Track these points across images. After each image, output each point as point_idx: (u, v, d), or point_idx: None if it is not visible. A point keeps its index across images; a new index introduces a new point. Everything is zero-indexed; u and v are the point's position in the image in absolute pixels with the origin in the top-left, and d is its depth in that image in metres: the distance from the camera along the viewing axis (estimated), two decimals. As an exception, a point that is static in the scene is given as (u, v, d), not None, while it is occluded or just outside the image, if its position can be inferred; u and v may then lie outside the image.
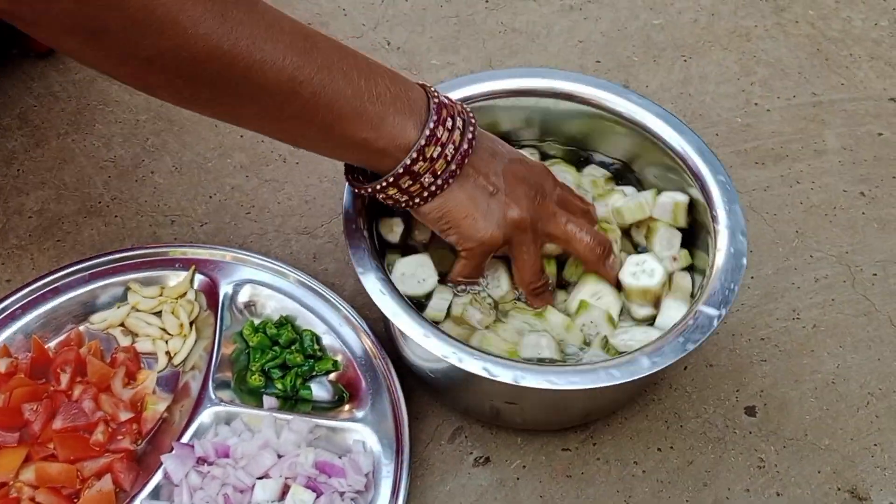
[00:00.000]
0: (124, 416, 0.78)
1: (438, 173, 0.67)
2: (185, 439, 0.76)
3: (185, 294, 0.86)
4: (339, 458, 0.76)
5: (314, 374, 0.83)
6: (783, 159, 1.00)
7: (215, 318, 0.84)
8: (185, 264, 0.87)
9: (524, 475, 0.78)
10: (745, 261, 0.71)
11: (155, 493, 0.74)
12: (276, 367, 0.82)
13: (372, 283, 0.71)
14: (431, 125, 0.66)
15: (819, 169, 1.00)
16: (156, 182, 0.97)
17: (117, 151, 0.99)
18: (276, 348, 0.83)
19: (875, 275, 0.92)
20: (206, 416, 0.77)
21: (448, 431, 0.81)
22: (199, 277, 0.87)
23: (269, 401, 0.80)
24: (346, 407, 0.80)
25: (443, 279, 0.77)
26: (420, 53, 1.09)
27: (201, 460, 0.75)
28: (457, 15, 1.13)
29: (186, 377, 0.82)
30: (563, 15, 1.13)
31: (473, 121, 0.70)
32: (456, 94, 0.80)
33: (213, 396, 0.78)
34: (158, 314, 0.85)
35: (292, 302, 0.85)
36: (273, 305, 0.86)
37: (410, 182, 0.67)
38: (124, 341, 0.84)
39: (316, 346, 0.83)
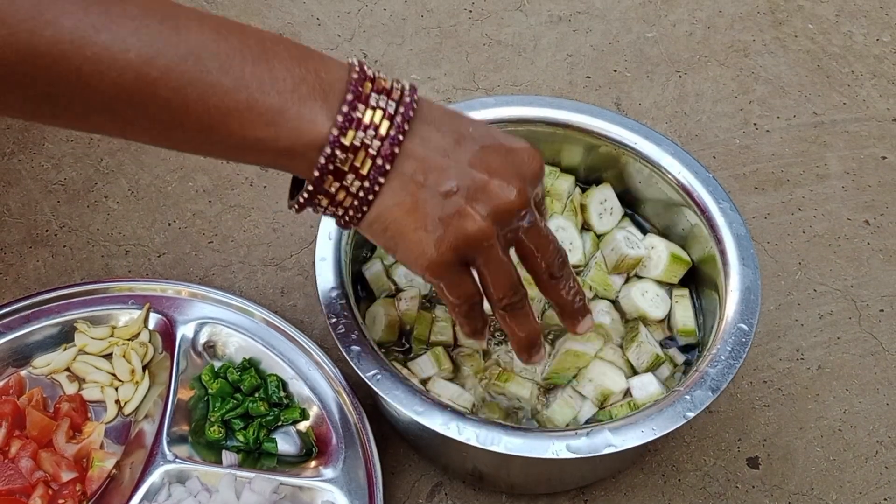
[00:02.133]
0: (67, 476, 0.70)
1: (363, 171, 0.52)
2: (134, 502, 0.69)
3: (138, 335, 0.78)
4: (307, 521, 0.69)
5: (280, 424, 0.75)
6: (784, 184, 0.94)
7: (171, 362, 0.76)
8: (138, 301, 0.79)
9: (509, 538, 0.72)
10: (751, 334, 0.65)
11: (100, 564, 0.66)
12: (237, 416, 0.75)
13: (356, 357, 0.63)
14: (346, 107, 0.52)
15: (821, 195, 0.94)
16: (109, 207, 0.89)
17: (68, 173, 0.91)
18: (238, 395, 0.76)
19: (882, 311, 0.86)
20: (158, 475, 0.70)
21: (426, 488, 0.74)
22: (154, 316, 0.79)
23: (228, 457, 0.73)
24: (314, 463, 0.73)
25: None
26: (399, 67, 1.02)
27: (152, 526, 0.68)
28: (438, 26, 1.06)
29: (138, 427, 0.75)
30: (551, 27, 1.06)
31: (412, 100, 0.54)
32: None
33: (166, 452, 0.71)
34: (108, 357, 0.78)
35: (257, 343, 0.78)
36: (236, 347, 0.78)
37: (337, 186, 0.53)
38: (70, 388, 0.76)
39: (282, 394, 0.76)
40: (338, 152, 0.52)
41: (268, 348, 0.78)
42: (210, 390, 0.76)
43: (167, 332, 0.78)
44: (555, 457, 0.58)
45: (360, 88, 0.52)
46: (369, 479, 0.71)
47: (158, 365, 0.78)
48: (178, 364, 0.76)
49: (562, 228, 0.74)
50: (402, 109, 0.53)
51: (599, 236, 0.76)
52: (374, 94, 0.52)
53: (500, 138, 0.57)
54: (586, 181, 0.79)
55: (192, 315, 0.79)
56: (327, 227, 0.70)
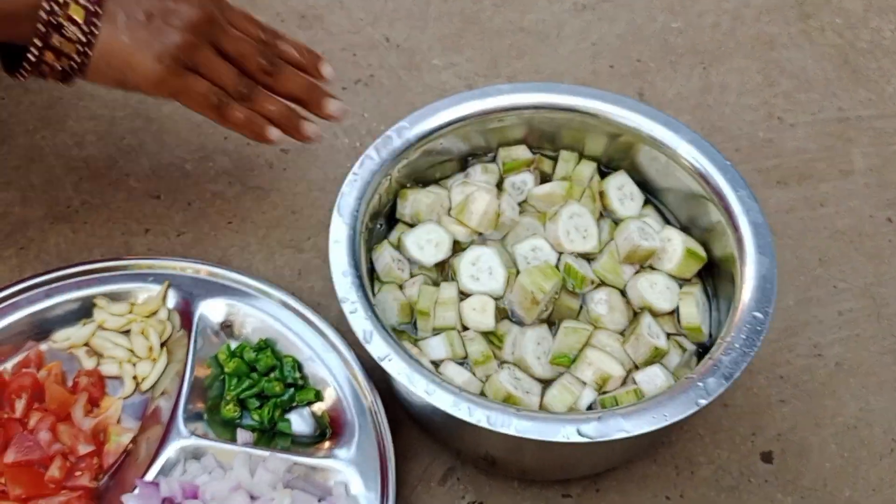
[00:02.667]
0: (84, 449, 0.71)
1: (78, 18, 0.65)
2: (150, 476, 0.69)
3: (156, 312, 0.79)
4: (319, 501, 0.69)
5: (294, 404, 0.76)
6: (807, 179, 0.93)
7: (189, 340, 0.77)
8: (157, 279, 0.80)
9: (520, 524, 0.72)
10: (766, 323, 0.65)
11: (115, 537, 0.67)
12: (252, 396, 0.75)
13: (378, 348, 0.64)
14: None
15: (845, 191, 0.93)
16: (130, 186, 0.89)
17: (90, 151, 0.92)
18: (254, 375, 0.76)
19: (903, 309, 0.85)
20: (173, 450, 0.70)
21: (439, 472, 0.74)
22: (172, 294, 0.80)
23: (243, 435, 0.73)
24: (328, 444, 0.73)
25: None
26: (421, 52, 1.01)
27: (167, 501, 0.69)
28: (461, 11, 1.05)
29: (155, 404, 0.75)
30: (576, 14, 1.06)
31: None
32: (471, 105, 0.76)
33: (182, 429, 0.71)
34: (127, 333, 0.78)
35: (274, 324, 0.79)
36: (252, 327, 0.79)
37: (60, 39, 0.65)
38: (88, 363, 0.77)
39: (297, 374, 0.77)
40: (54, 7, 0.63)
41: (284, 329, 0.78)
42: (226, 369, 0.76)
43: (185, 311, 0.79)
44: (565, 440, 0.58)
45: None
46: (382, 461, 0.71)
47: (176, 343, 0.79)
48: (195, 342, 0.76)
49: (577, 215, 0.74)
50: None
51: (620, 223, 0.76)
52: None
53: None
54: (608, 169, 0.79)
55: (210, 294, 0.79)
56: (342, 209, 0.70)
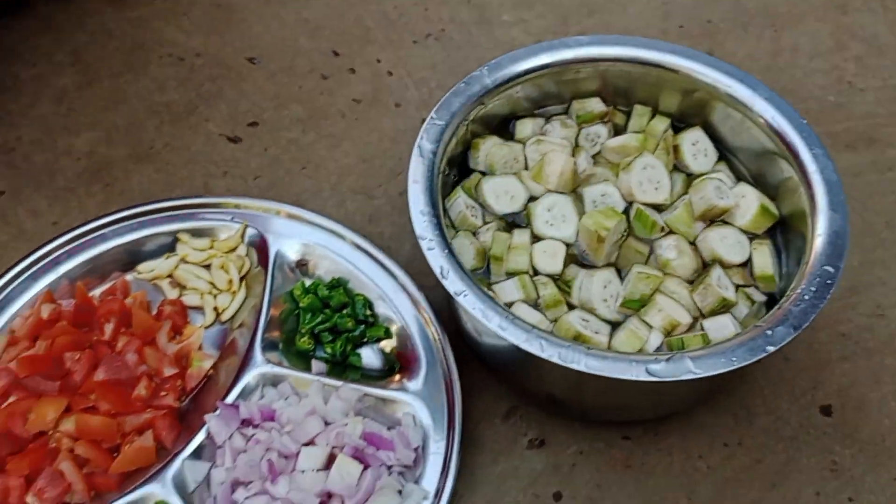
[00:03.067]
0: (169, 371, 0.75)
1: None
2: (229, 399, 0.73)
3: (235, 249, 0.83)
4: (388, 429, 0.73)
5: (365, 340, 0.79)
6: (875, 144, 0.93)
7: (265, 276, 0.80)
8: (237, 218, 0.83)
9: (581, 462, 0.74)
10: (837, 277, 0.65)
11: (197, 454, 0.71)
12: (325, 330, 0.79)
13: (454, 285, 0.65)
14: None
15: (914, 156, 0.93)
16: (209, 130, 0.93)
17: (171, 96, 0.95)
18: (327, 311, 0.79)
19: (969, 274, 0.85)
20: (252, 376, 0.74)
21: (502, 410, 0.77)
22: (250, 232, 0.83)
23: (317, 365, 0.77)
24: (397, 377, 0.76)
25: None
26: (492, 8, 1.03)
27: (246, 422, 0.72)
28: (531, -30, 1.07)
29: (234, 335, 0.79)
30: (645, -25, 1.06)
31: None
32: (549, 56, 0.76)
33: (259, 357, 0.75)
34: (207, 267, 0.82)
35: (346, 264, 0.82)
36: (326, 266, 0.82)
37: None
38: (171, 294, 0.81)
39: (368, 312, 0.80)
40: None
41: (356, 270, 0.81)
42: (301, 304, 0.80)
43: (263, 249, 0.82)
44: (634, 379, 0.60)
45: None
46: (449, 396, 0.74)
47: (254, 279, 0.82)
48: (272, 278, 0.80)
49: (650, 167, 0.75)
50: None
51: (692, 177, 0.77)
52: None
53: None
54: (681, 125, 0.80)
55: (287, 234, 0.82)
56: (422, 151, 0.73)
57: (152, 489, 0.69)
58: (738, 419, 0.76)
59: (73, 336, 0.75)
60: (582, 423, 0.76)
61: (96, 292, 0.80)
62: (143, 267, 0.82)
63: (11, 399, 0.72)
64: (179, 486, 0.69)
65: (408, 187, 0.69)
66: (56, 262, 0.80)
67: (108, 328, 0.76)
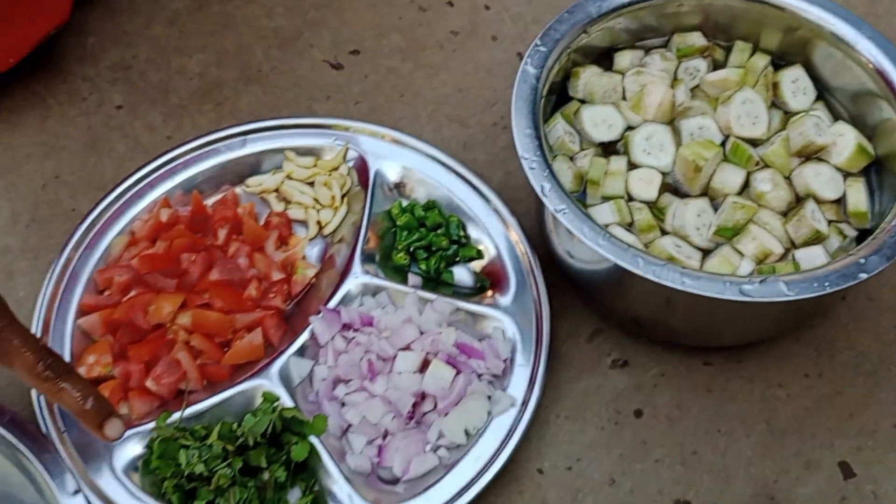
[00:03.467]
0: (276, 276, 0.80)
1: None
2: (331, 305, 0.78)
3: (337, 168, 0.87)
4: (479, 340, 0.77)
5: (458, 259, 0.83)
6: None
7: (365, 195, 0.84)
8: (340, 139, 0.88)
9: (662, 383, 0.77)
10: None
11: (301, 352, 0.76)
12: (421, 248, 0.83)
13: (554, 199, 0.68)
14: None
15: None
16: (314, 56, 0.97)
17: (278, 22, 0.99)
18: (423, 230, 0.83)
19: None
20: (352, 285, 0.79)
21: (587, 331, 0.80)
22: (352, 153, 0.87)
23: (413, 279, 0.81)
24: (489, 293, 0.80)
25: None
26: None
27: (346, 326, 0.77)
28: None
29: (334, 249, 0.84)
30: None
31: None
32: None
33: (359, 268, 0.79)
34: (311, 184, 0.87)
35: (441, 187, 0.85)
36: (422, 188, 0.86)
37: None
38: (277, 207, 0.86)
39: (461, 233, 0.83)
40: None
41: (450, 193, 0.85)
42: (398, 223, 0.84)
43: (363, 169, 0.86)
44: (727, 298, 0.63)
45: None
46: (537, 315, 0.78)
47: (354, 197, 0.86)
48: (371, 197, 0.84)
49: (749, 101, 0.76)
50: None
51: (790, 115, 0.78)
52: None
53: None
54: (781, 63, 0.80)
55: (386, 156, 0.86)
56: (525, 75, 0.75)
57: (260, 382, 0.74)
58: (820, 352, 0.78)
59: (190, 239, 0.80)
60: (665, 348, 0.78)
61: (208, 202, 0.85)
62: (251, 181, 0.87)
63: (133, 293, 0.78)
64: (285, 380, 0.74)
65: (512, 109, 0.72)
66: (171, 173, 0.86)
67: (222, 234, 0.81)
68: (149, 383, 0.74)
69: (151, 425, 0.72)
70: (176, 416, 0.72)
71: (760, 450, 0.74)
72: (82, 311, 0.78)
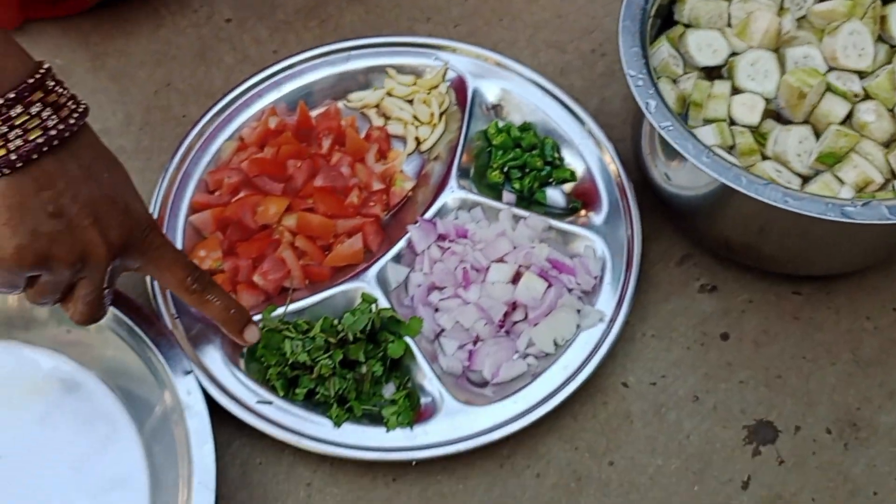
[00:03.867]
0: (376, 186, 0.83)
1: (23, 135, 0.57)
2: (427, 215, 0.81)
3: (437, 86, 0.89)
4: (570, 258, 0.79)
5: (551, 180, 0.85)
6: None
7: (463, 114, 0.86)
8: (440, 58, 0.89)
9: (750, 309, 0.78)
10: None
11: (397, 258, 0.79)
12: (516, 167, 0.85)
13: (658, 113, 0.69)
14: (1, 101, 0.56)
15: None
16: (416, -22, 0.99)
17: (382, -57, 1.01)
18: (518, 150, 0.85)
19: None
20: (448, 199, 0.81)
21: (677, 256, 0.81)
22: (451, 73, 0.89)
23: (508, 195, 0.83)
24: (583, 213, 0.82)
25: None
26: None
27: (442, 237, 0.80)
28: None
29: (429, 166, 0.86)
30: None
31: (77, 125, 0.59)
32: None
33: (455, 183, 0.82)
34: (410, 102, 0.89)
35: (537, 110, 0.87)
36: (518, 110, 0.87)
37: None
38: (377, 122, 0.88)
39: (556, 155, 0.85)
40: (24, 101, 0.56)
41: (546, 116, 0.86)
42: (494, 142, 0.86)
43: (461, 89, 0.88)
44: (829, 218, 0.63)
45: (29, 93, 0.57)
46: (628, 238, 0.79)
47: (451, 116, 0.88)
48: (469, 115, 0.86)
49: (856, 32, 0.75)
50: (61, 127, 0.58)
51: (895, 49, 0.77)
52: (39, 104, 0.58)
53: (127, 196, 0.63)
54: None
55: (484, 77, 0.88)
56: (633, -3, 0.76)
57: (358, 284, 0.78)
58: (912, 288, 0.78)
59: (296, 146, 0.84)
60: (754, 276, 0.79)
61: (312, 114, 0.88)
62: (353, 96, 0.90)
63: (241, 195, 0.82)
64: (382, 284, 0.78)
65: (619, 27, 0.73)
66: (277, 85, 0.89)
67: (326, 143, 0.85)
68: (256, 278, 0.78)
69: (258, 317, 0.76)
70: (280, 310, 0.76)
71: (844, 378, 0.75)
72: (193, 210, 0.82)
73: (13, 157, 0.57)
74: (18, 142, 0.57)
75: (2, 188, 0.57)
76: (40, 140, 0.57)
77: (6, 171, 0.57)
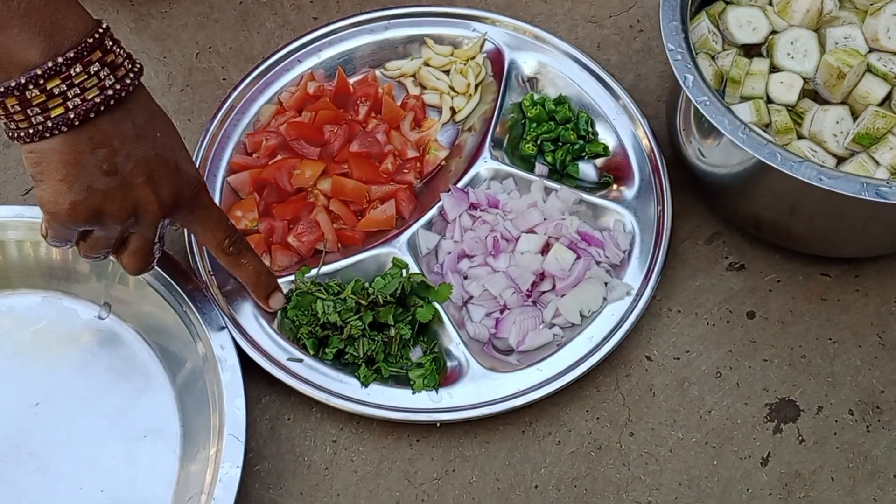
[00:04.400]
0: (410, 153, 0.84)
1: (52, 115, 0.58)
2: (461, 184, 0.82)
3: (474, 57, 0.89)
4: (601, 231, 0.80)
5: (584, 154, 0.85)
6: None
7: (498, 86, 0.87)
8: (478, 30, 0.90)
9: (777, 289, 0.78)
10: None
11: (428, 226, 0.80)
12: (549, 140, 0.85)
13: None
14: (62, 59, 0.57)
15: None
16: (455, -51, 0.99)
17: (423, -86, 1.01)
18: (551, 123, 0.86)
19: None
20: (481, 168, 0.82)
21: (707, 234, 0.82)
22: (488, 45, 0.90)
23: (540, 168, 0.84)
24: (615, 186, 0.83)
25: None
26: None
27: (473, 206, 0.81)
28: None
29: (463, 137, 0.87)
30: None
31: (133, 84, 0.61)
32: None
33: (489, 153, 0.83)
34: (447, 73, 0.90)
35: (573, 84, 0.87)
36: (554, 84, 0.88)
37: (18, 108, 0.58)
38: (414, 91, 0.89)
39: (589, 129, 0.85)
40: (33, 89, 0.57)
41: (581, 90, 0.87)
42: (528, 114, 0.86)
43: (498, 60, 0.89)
44: (864, 198, 0.64)
45: (88, 53, 0.58)
46: (659, 214, 0.80)
47: (487, 88, 0.89)
48: (506, 87, 0.87)
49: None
50: (118, 87, 0.60)
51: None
52: (97, 63, 0.58)
53: (178, 155, 0.65)
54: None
55: (522, 49, 0.88)
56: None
57: (390, 249, 0.79)
58: (942, 274, 0.78)
59: (333, 112, 0.85)
60: (783, 256, 0.80)
61: (350, 81, 0.89)
62: (390, 65, 0.90)
63: (278, 157, 0.83)
64: (413, 249, 0.79)
65: (660, 1, 0.73)
66: (317, 50, 0.90)
67: (362, 110, 0.86)
68: (290, 239, 0.80)
69: (290, 278, 0.78)
70: (313, 272, 0.78)
71: (870, 361, 0.75)
72: (231, 170, 0.84)
73: (71, 115, 0.58)
74: (77, 100, 0.58)
75: (59, 145, 0.59)
76: (97, 99, 0.59)
77: (64, 128, 0.59)
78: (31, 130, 0.58)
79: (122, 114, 0.61)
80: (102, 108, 0.59)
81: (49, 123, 0.58)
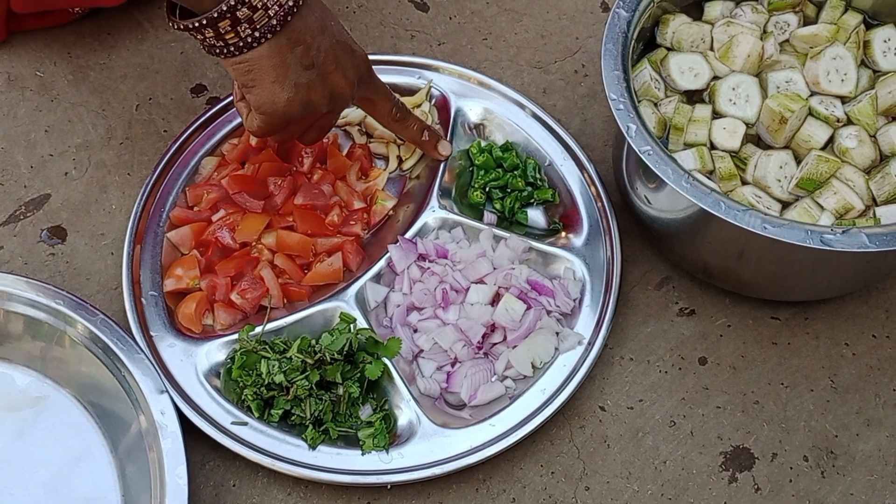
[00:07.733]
0: (357, 204, 0.83)
1: (258, 26, 0.65)
2: (408, 235, 0.80)
3: (420, 105, 0.89)
4: (551, 279, 0.79)
5: (532, 201, 0.85)
6: None
7: (445, 133, 0.86)
8: (424, 77, 0.89)
9: (728, 333, 0.78)
10: None
11: (377, 278, 0.79)
12: (497, 187, 0.85)
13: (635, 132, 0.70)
14: None
15: None
16: (401, -4, 0.99)
17: (367, -39, 1.01)
18: (500, 170, 0.85)
19: None
20: (429, 218, 0.81)
21: (656, 279, 0.81)
22: (434, 92, 0.89)
23: (489, 216, 0.83)
24: (563, 234, 0.82)
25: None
26: None
27: (422, 257, 0.80)
28: None
29: (412, 184, 0.86)
30: None
31: None
32: None
33: (437, 202, 0.82)
34: (393, 120, 0.89)
35: (520, 130, 0.87)
36: (501, 130, 0.87)
37: (229, 27, 0.65)
38: (360, 139, 0.88)
39: (537, 175, 0.85)
40: (242, 7, 0.64)
41: (528, 136, 0.86)
42: (476, 162, 0.86)
43: (444, 108, 0.88)
44: (809, 246, 0.63)
45: None
46: (608, 260, 0.79)
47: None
48: (452, 134, 0.86)
49: (839, 57, 0.76)
50: None
51: (878, 74, 0.77)
52: None
53: (348, 38, 0.73)
54: (873, 22, 0.80)
55: (467, 96, 0.88)
56: (616, 17, 0.75)
57: (337, 303, 0.77)
58: (890, 314, 0.78)
59: (276, 164, 0.83)
60: (733, 300, 0.79)
61: (293, 131, 0.88)
62: (335, 113, 0.89)
63: (221, 212, 0.81)
64: (361, 303, 0.77)
65: (602, 50, 0.73)
66: (260, 101, 0.89)
67: (307, 161, 0.84)
68: (234, 296, 0.77)
69: (234, 336, 0.75)
70: (258, 329, 0.76)
71: (822, 405, 0.75)
72: (172, 224, 0.82)
73: (274, 21, 0.66)
74: (276, 7, 0.65)
75: (266, 51, 0.67)
76: (290, 3, 0.66)
77: (269, 35, 0.66)
78: (240, 44, 0.66)
79: (306, 11, 0.68)
80: (295, 10, 0.66)
81: (256, 34, 0.66)
